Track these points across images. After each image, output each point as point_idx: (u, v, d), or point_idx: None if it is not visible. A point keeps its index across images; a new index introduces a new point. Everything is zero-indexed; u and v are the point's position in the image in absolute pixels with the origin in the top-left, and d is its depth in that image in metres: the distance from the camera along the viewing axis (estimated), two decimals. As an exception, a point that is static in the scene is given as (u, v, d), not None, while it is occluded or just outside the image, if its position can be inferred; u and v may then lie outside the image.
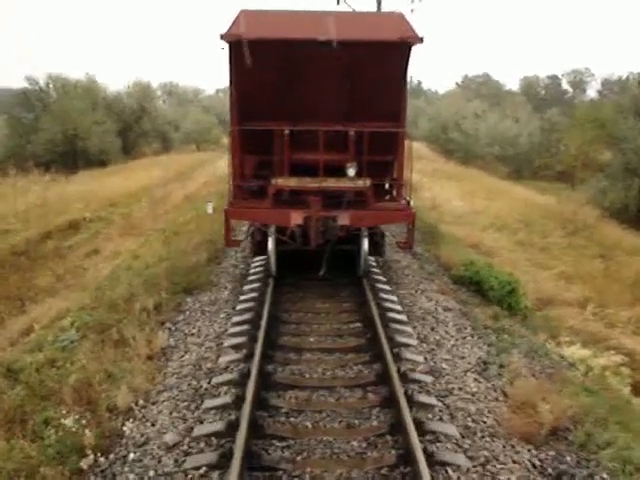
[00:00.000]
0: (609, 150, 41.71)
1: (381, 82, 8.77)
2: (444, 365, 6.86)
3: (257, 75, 8.58)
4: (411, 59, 8.67)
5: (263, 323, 7.53)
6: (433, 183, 26.74)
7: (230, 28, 8.32)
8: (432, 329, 8.02)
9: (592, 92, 76.76)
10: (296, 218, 8.58)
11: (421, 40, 8.32)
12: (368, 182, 8.89)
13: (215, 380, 6.31)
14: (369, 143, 8.91)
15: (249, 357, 6.68)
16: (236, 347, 7.14)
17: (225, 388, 6.17)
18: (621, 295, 13.31)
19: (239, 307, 8.50)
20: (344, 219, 8.62)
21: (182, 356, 7.13)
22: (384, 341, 7.01)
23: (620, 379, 8.87)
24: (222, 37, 8.29)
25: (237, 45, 8.32)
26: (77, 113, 41.97)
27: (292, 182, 8.84)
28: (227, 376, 6.37)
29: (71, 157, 42.16)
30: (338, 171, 8.96)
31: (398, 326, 7.77)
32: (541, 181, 42.92)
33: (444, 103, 62.75)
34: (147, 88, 57.15)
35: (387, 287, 9.40)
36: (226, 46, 8.52)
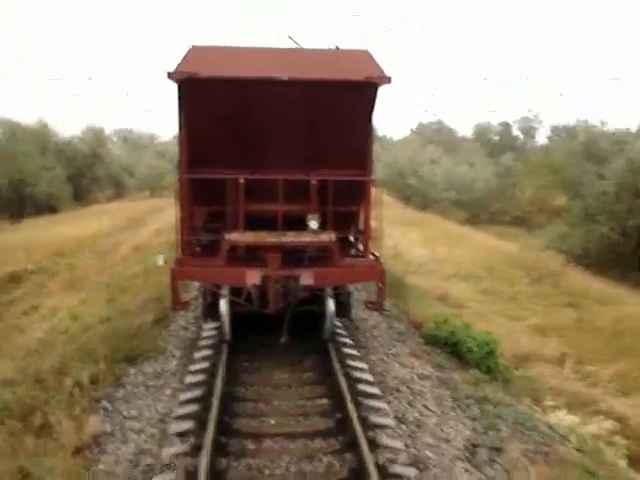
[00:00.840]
0: (564, 195, 42.34)
1: (345, 126, 7.95)
2: (428, 452, 5.87)
3: (209, 118, 7.68)
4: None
5: (215, 402, 6.46)
6: (393, 230, 26.07)
7: (179, 66, 7.41)
8: (409, 404, 7.05)
9: (541, 138, 78.59)
10: (253, 278, 7.57)
11: (389, 80, 7.56)
12: (333, 236, 7.98)
13: (155, 482, 5.19)
14: (333, 193, 8.06)
15: (197, 449, 5.60)
16: (183, 435, 6.04)
17: (167, 493, 5.06)
18: (599, 349, 12.63)
19: (188, 381, 7.40)
20: (307, 278, 7.64)
21: (118, 448, 5.96)
22: (356, 423, 6.02)
23: (615, 450, 8.05)
24: (170, 76, 7.37)
25: (187, 84, 7.42)
26: (24, 157, 40.40)
27: (248, 237, 7.85)
28: (169, 476, 5.26)
29: (17, 204, 40.46)
30: (299, 223, 8.05)
31: (371, 402, 6.78)
32: (498, 225, 42.93)
33: (400, 149, 63.01)
34: (100, 133, 55.99)
35: (355, 352, 8.43)
36: (175, 86, 7.61)
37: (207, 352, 8.26)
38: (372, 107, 7.89)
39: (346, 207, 8.59)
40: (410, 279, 16.12)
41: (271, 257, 7.71)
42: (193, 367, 7.79)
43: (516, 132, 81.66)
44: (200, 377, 7.41)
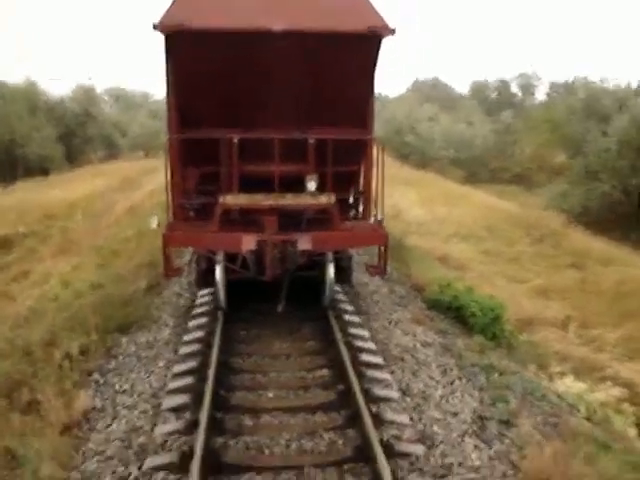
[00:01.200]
0: (564, 152, 41.74)
1: (346, 81, 7.46)
2: (435, 428, 5.57)
3: (199, 73, 7.18)
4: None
5: (211, 374, 6.15)
6: (392, 189, 25.57)
7: (165, 16, 6.86)
8: (413, 374, 6.75)
9: (540, 95, 77.51)
10: (248, 242, 7.18)
11: (393, 32, 7.05)
12: (333, 198, 7.56)
13: (148, 464, 4.88)
14: (332, 152, 7.62)
15: (193, 426, 5.30)
16: (177, 410, 5.74)
17: (161, 475, 4.76)
18: (603, 312, 12.36)
19: (182, 351, 7.08)
20: (305, 243, 7.25)
21: (109, 425, 5.66)
22: (359, 396, 5.71)
23: (624, 418, 7.81)
24: (155, 27, 6.83)
25: (174, 37, 6.89)
26: (14, 118, 39.46)
27: (242, 200, 7.42)
28: (163, 458, 4.95)
29: (9, 165, 39.67)
30: (296, 185, 7.62)
31: (374, 372, 6.48)
32: (497, 184, 42.41)
33: (397, 106, 61.98)
34: (91, 91, 54.74)
35: (356, 319, 8.11)
36: (161, 38, 7.09)
37: (202, 320, 7.94)
38: (375, 61, 7.39)
39: (346, 167, 8.17)
40: (410, 240, 15.80)
41: (267, 221, 7.31)
42: (187, 337, 7.47)
43: (514, 89, 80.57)
44: (195, 347, 7.09)
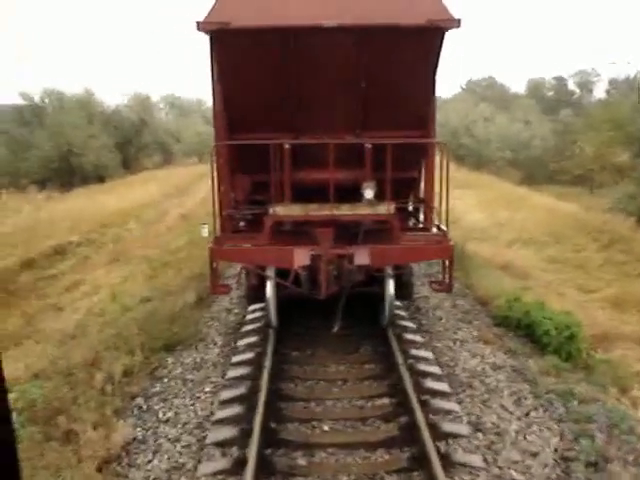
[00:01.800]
0: (627, 151, 39.80)
1: (405, 80, 6.84)
2: (514, 472, 4.88)
3: (247, 74, 6.68)
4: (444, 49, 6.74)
5: (261, 403, 5.63)
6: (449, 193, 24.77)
7: (210, 15, 6.38)
8: (484, 404, 6.06)
9: (599, 92, 74.98)
10: (301, 258, 6.62)
11: (458, 23, 6.39)
12: (392, 207, 6.95)
13: (189, 511, 4.39)
14: (391, 157, 7.00)
15: (240, 464, 4.78)
16: (224, 445, 5.22)
17: (203, 525, 4.25)
18: (686, 326, 11.28)
19: (230, 374, 6.58)
20: (363, 258, 6.64)
21: (149, 460, 5.17)
22: (425, 432, 5.09)
23: None
24: (199, 27, 6.36)
25: (218, 37, 6.42)
26: (71, 128, 40.18)
27: (296, 210, 6.88)
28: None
29: (67, 174, 40.40)
30: (350, 193, 7.03)
31: (440, 402, 5.84)
32: (556, 185, 40.83)
33: (452, 108, 60.70)
34: (146, 100, 55.59)
35: (418, 338, 7.47)
36: (206, 38, 6.62)
37: (252, 339, 7.44)
38: (437, 57, 6.72)
39: (405, 173, 7.56)
40: (470, 247, 15.00)
41: (322, 233, 6.74)
42: (236, 358, 6.98)
43: (572, 87, 78.25)
44: (244, 370, 6.58)
